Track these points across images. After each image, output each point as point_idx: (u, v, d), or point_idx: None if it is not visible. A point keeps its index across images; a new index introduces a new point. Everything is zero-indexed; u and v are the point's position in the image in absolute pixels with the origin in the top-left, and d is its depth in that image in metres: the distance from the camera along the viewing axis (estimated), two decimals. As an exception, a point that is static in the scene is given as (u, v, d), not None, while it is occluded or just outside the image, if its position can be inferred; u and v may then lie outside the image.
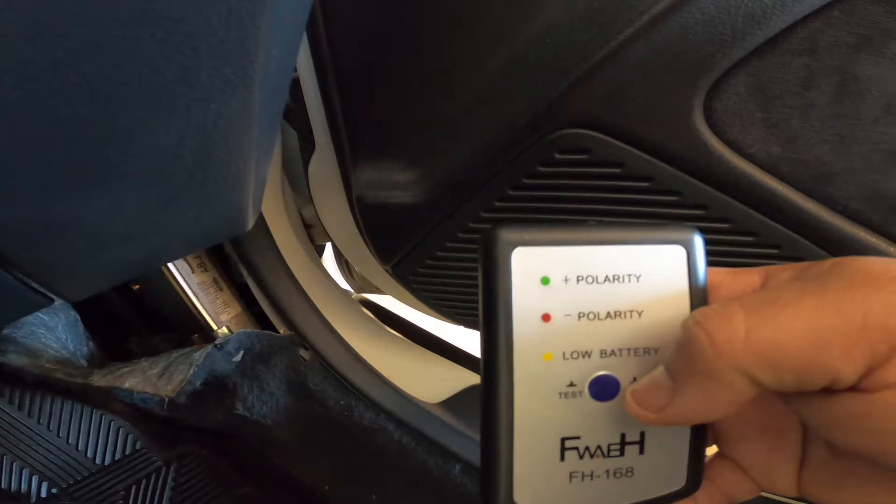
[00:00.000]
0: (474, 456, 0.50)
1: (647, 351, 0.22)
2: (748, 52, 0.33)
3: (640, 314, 0.22)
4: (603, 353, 0.21)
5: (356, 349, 0.54)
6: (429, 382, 0.56)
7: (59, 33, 0.16)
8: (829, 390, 0.18)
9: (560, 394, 0.22)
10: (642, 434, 0.23)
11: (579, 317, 0.21)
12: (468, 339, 0.68)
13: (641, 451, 0.23)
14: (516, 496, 0.22)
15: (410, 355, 0.60)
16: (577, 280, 0.21)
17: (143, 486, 0.54)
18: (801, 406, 0.19)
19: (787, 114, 0.35)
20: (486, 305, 0.22)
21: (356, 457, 0.54)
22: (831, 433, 0.19)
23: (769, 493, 0.24)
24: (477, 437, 0.54)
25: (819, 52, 0.33)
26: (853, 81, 0.34)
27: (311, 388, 0.51)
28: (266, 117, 0.28)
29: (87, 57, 0.17)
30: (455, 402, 0.54)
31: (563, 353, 0.22)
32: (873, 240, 0.39)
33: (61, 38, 0.16)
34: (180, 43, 0.19)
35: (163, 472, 0.55)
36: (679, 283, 0.22)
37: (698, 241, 0.22)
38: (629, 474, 0.23)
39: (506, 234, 0.21)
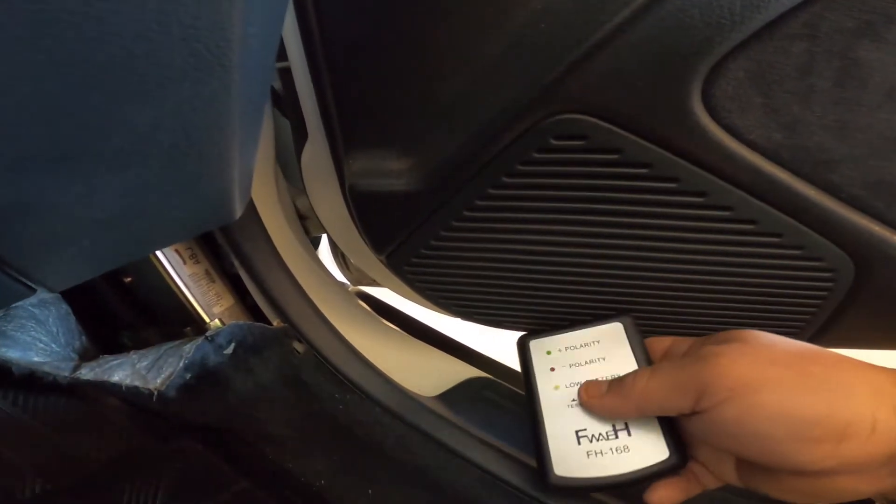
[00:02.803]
0: (471, 450, 0.49)
1: (612, 378, 0.39)
2: (747, 36, 0.32)
3: (604, 359, 0.41)
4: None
5: (351, 342, 0.53)
6: (425, 376, 0.55)
7: (17, 7, 0.15)
8: (685, 415, 0.33)
9: (567, 406, 0.38)
10: (626, 423, 0.36)
11: (570, 366, 0.41)
12: (465, 332, 0.67)
13: (630, 434, 0.35)
14: (556, 470, 0.36)
15: (407, 348, 0.60)
16: (566, 349, 0.42)
17: (137, 482, 0.54)
18: (687, 423, 0.33)
19: (787, 99, 0.34)
20: (523, 370, 0.43)
21: (352, 451, 0.53)
22: (703, 437, 0.32)
23: (725, 483, 0.35)
24: (473, 431, 0.53)
25: (820, 36, 0.32)
26: (855, 67, 0.33)
27: (306, 381, 0.51)
28: (248, 99, 0.27)
29: (49, 32, 0.16)
30: (452, 396, 0.54)
31: (565, 385, 0.40)
32: (875, 228, 0.38)
33: (19, 12, 0.15)
34: (149, 20, 0.18)
35: (157, 468, 0.55)
36: (623, 342, 0.42)
37: (629, 320, 0.43)
38: (626, 450, 0.35)
39: (528, 337, 0.46)
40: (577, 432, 0.36)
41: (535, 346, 0.43)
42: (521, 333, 0.49)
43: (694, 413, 0.31)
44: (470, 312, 0.50)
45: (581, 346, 0.41)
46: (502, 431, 0.50)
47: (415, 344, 0.61)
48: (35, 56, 0.17)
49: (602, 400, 0.36)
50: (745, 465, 0.33)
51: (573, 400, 0.38)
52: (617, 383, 0.36)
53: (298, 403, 0.53)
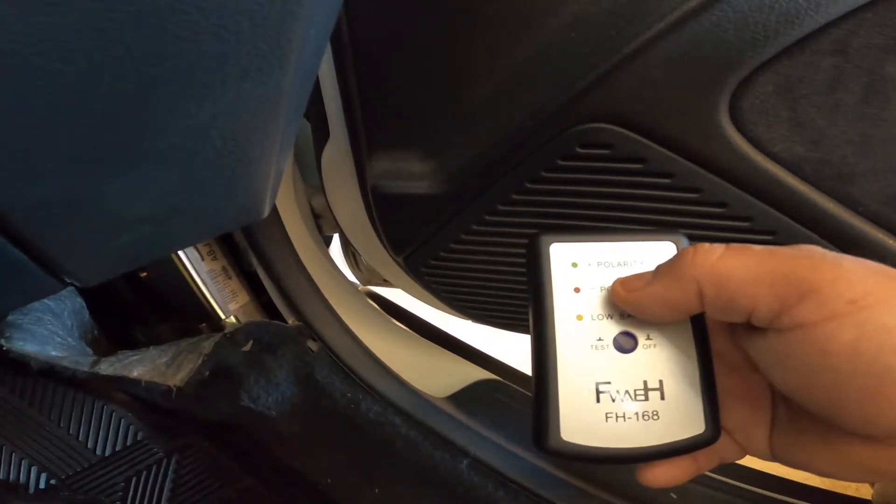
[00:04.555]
0: (482, 451, 0.49)
1: None
2: (779, 52, 0.33)
3: None
4: (622, 316, 0.28)
5: (364, 342, 0.53)
6: (436, 376, 0.56)
7: (108, 2, 0.15)
8: (755, 327, 0.24)
9: (591, 346, 0.28)
10: (661, 382, 0.28)
11: (601, 289, 0.29)
12: (474, 335, 0.67)
13: (662, 397, 0.27)
14: (563, 434, 0.27)
15: (418, 349, 0.60)
16: (598, 264, 0.29)
17: (143, 478, 0.54)
18: (746, 343, 0.26)
19: (813, 113, 0.35)
20: (533, 283, 0.29)
21: (361, 450, 0.53)
22: (769, 372, 0.24)
23: (750, 454, 0.29)
24: (485, 432, 0.53)
25: (849, 53, 0.33)
26: (881, 83, 0.34)
27: (318, 379, 0.51)
28: (293, 102, 0.27)
29: (134, 28, 0.16)
30: (462, 397, 0.54)
31: (591, 315, 0.28)
32: (890, 241, 0.39)
33: (110, 6, 0.16)
34: (226, 17, 0.18)
35: (163, 464, 0.54)
36: None
37: (684, 239, 0.30)
38: (655, 417, 0.27)
39: (545, 236, 0.29)
40: (597, 385, 0.27)
41: (558, 252, 0.29)
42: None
43: (770, 327, 0.23)
44: (486, 316, 0.50)
45: (619, 263, 0.29)
46: (514, 433, 0.51)
47: (425, 345, 0.61)
48: (114, 51, 0.17)
49: (646, 289, 0.26)
50: (786, 428, 0.27)
51: (599, 339, 0.28)
52: (669, 263, 0.26)
53: (309, 401, 0.53)
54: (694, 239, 0.41)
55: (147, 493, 0.54)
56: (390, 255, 0.49)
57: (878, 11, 0.31)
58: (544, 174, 0.41)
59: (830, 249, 0.39)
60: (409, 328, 0.66)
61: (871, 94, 0.34)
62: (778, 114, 0.35)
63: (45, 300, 0.45)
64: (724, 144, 0.37)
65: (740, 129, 0.36)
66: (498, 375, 0.59)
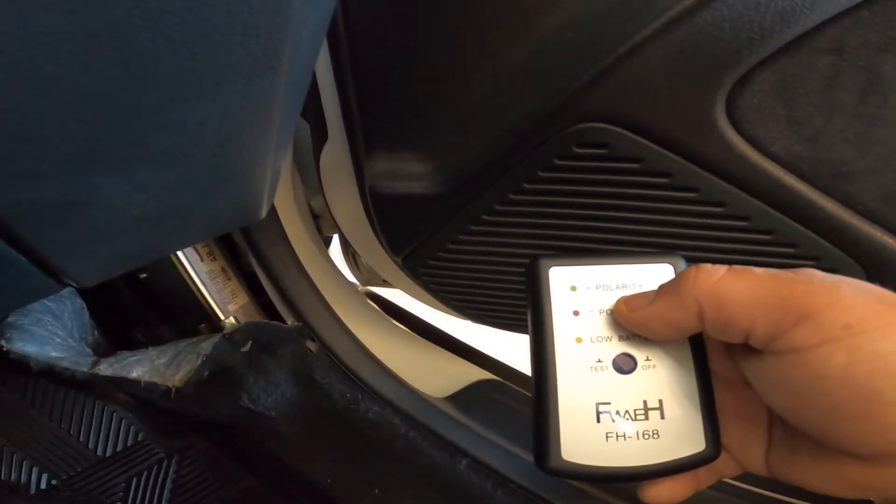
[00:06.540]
0: (481, 451, 0.49)
1: None
2: (775, 50, 0.33)
3: None
4: (621, 338, 0.28)
5: (363, 342, 0.53)
6: (435, 377, 0.56)
7: (97, 4, 0.16)
8: (752, 348, 0.24)
9: (591, 368, 0.28)
10: (660, 401, 0.28)
11: (600, 312, 0.29)
12: (473, 335, 0.67)
13: (662, 417, 0.28)
14: (564, 454, 0.27)
15: (417, 349, 0.60)
16: (597, 287, 0.30)
17: (143, 478, 0.54)
18: (743, 364, 0.26)
19: (810, 112, 0.35)
20: (533, 306, 0.29)
21: (361, 450, 0.53)
22: (764, 393, 0.25)
23: (747, 470, 0.29)
24: (483, 432, 0.53)
25: (846, 51, 0.33)
26: (878, 81, 0.34)
27: (318, 380, 0.51)
28: (288, 103, 0.28)
29: (124, 30, 0.16)
30: (462, 397, 0.54)
31: (591, 338, 0.29)
32: (889, 240, 0.39)
33: (98, 8, 0.16)
34: (217, 20, 0.18)
35: (164, 465, 0.55)
36: None
37: (682, 261, 0.30)
38: (656, 436, 0.27)
39: (544, 259, 0.30)
40: (598, 405, 0.28)
41: (557, 275, 0.30)
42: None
43: (765, 350, 0.24)
44: (484, 316, 0.50)
45: (618, 286, 0.30)
46: (512, 433, 0.51)
47: (425, 345, 0.61)
48: (105, 52, 0.17)
49: (648, 308, 0.27)
50: (782, 446, 0.27)
51: (599, 360, 0.29)
52: (671, 283, 0.27)
53: (309, 402, 0.53)
54: (690, 239, 0.41)
55: (147, 494, 0.54)
56: (389, 256, 0.49)
57: (874, 9, 0.31)
58: (541, 174, 0.41)
59: (827, 248, 0.39)
60: (409, 328, 0.66)
61: (868, 93, 0.34)
62: (775, 112, 0.35)
63: (46, 301, 0.45)
64: (722, 143, 0.37)
65: (737, 127, 0.36)
66: (497, 375, 0.59)
